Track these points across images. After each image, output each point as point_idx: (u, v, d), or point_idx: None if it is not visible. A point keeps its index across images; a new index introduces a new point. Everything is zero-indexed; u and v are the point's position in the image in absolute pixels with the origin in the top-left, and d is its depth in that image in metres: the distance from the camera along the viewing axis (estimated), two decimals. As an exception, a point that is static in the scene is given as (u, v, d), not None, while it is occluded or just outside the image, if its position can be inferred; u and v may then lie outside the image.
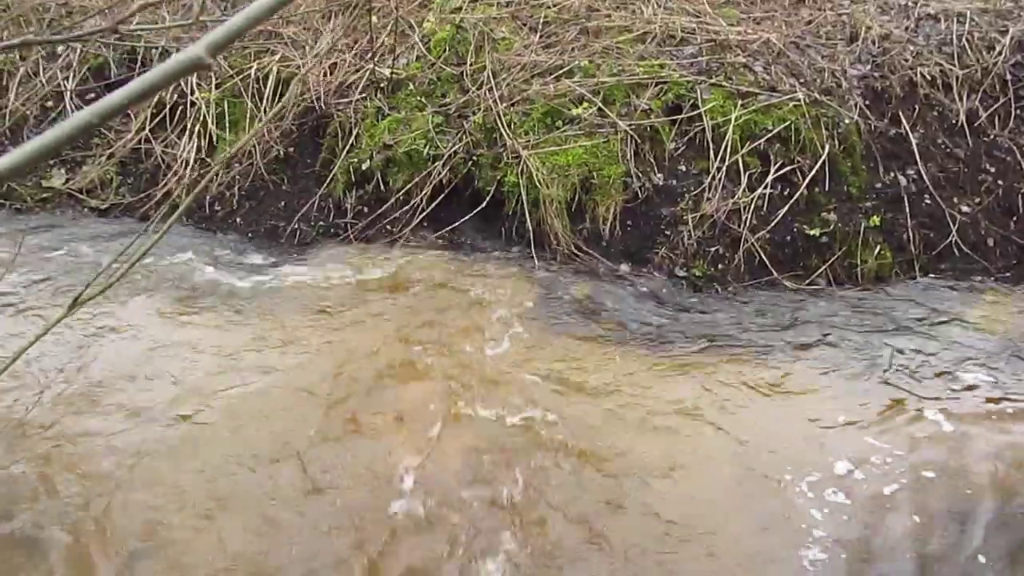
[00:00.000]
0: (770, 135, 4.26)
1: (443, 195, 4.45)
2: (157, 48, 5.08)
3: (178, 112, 5.00)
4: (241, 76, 4.91)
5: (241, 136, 4.65)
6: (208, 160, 4.78)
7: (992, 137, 4.52)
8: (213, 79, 4.97)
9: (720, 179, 4.20)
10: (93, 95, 5.21)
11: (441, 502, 2.77)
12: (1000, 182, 4.47)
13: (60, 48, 5.33)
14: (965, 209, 4.38)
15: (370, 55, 4.74)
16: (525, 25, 4.92)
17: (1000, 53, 4.62)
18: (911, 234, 4.28)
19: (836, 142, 4.31)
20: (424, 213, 4.44)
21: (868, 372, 3.33)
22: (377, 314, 3.82)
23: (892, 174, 4.40)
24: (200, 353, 3.54)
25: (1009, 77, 4.60)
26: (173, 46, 5.05)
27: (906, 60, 4.55)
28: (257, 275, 4.20)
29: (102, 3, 5.39)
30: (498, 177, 4.34)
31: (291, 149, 4.81)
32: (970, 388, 3.18)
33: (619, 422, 3.10)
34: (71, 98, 5.20)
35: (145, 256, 2.67)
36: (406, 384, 3.31)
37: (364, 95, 4.70)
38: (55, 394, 3.24)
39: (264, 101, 4.76)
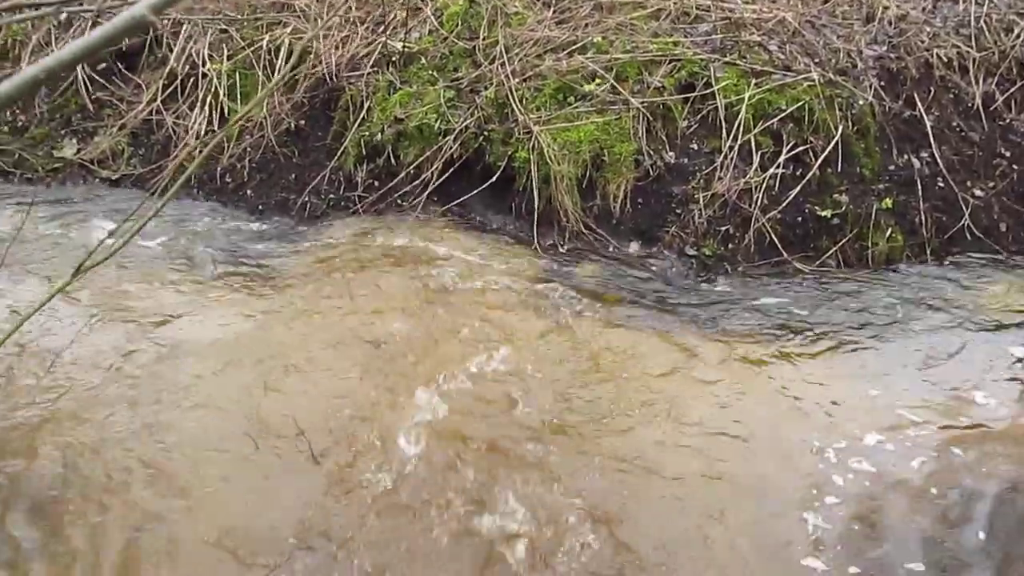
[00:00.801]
0: (783, 115, 4.23)
1: (454, 170, 4.44)
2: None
3: (189, 83, 4.99)
4: (253, 48, 4.90)
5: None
6: (219, 132, 4.77)
7: (1008, 121, 4.48)
8: (225, 51, 4.96)
9: (732, 158, 4.18)
10: (104, 64, 5.20)
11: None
12: (1015, 166, 4.43)
13: (73, 18, 5.32)
14: (979, 193, 4.35)
15: (382, 28, 4.72)
16: (539, 0, 4.89)
17: (1018, 36, 4.57)
18: (923, 217, 4.24)
19: (850, 123, 4.27)
20: (434, 187, 4.43)
21: (887, 353, 3.34)
22: (378, 288, 3.82)
23: (906, 156, 4.37)
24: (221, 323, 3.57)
25: (1026, 60, 4.55)
26: (185, 17, 5.04)
27: (922, 41, 4.51)
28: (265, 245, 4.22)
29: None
30: (509, 153, 4.33)
31: (302, 122, 4.81)
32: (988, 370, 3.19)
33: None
34: (82, 67, 5.19)
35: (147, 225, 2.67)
36: (405, 360, 3.32)
37: (376, 68, 4.69)
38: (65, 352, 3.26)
39: (276, 73, 4.74)
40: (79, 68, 5.19)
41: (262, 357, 3.32)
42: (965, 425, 2.93)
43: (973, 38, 4.52)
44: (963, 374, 3.20)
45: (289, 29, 4.90)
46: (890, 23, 4.61)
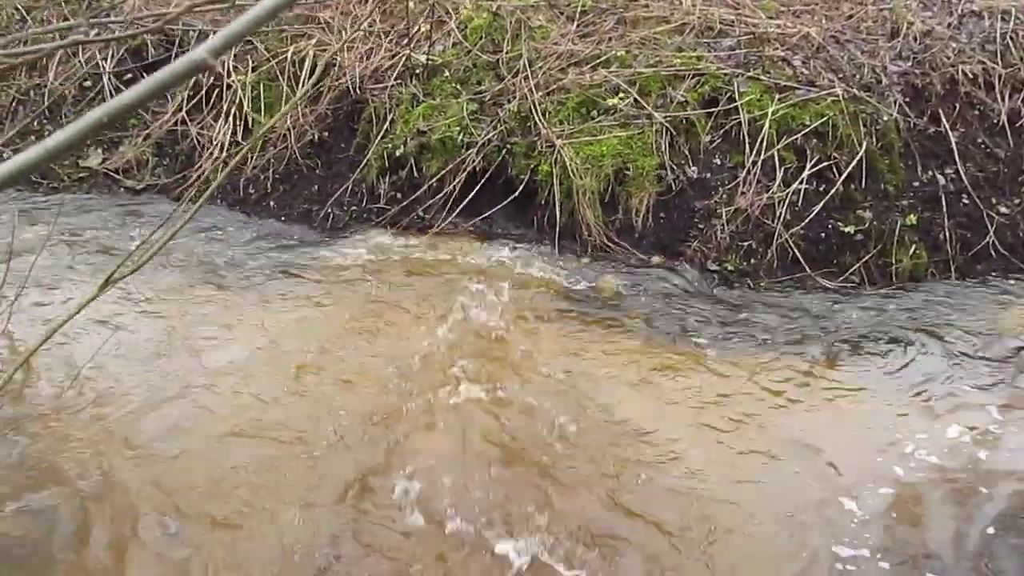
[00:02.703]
0: (807, 130, 4.21)
1: (476, 183, 4.45)
2: (195, 29, 5.11)
3: (214, 95, 5.03)
4: (277, 60, 4.93)
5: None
6: (243, 143, 4.80)
7: (1034, 137, 4.45)
8: (250, 62, 4.99)
9: (755, 173, 4.17)
10: (130, 76, 5.25)
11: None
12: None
13: (99, 29, 5.37)
14: (1004, 210, 4.31)
15: (406, 41, 4.74)
16: (562, 14, 4.90)
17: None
18: (948, 234, 4.22)
19: (874, 139, 4.25)
20: (456, 200, 4.44)
21: (909, 371, 3.32)
22: (399, 300, 3.83)
23: (930, 173, 4.34)
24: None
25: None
26: (210, 28, 5.08)
27: (948, 57, 4.48)
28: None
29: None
30: (531, 166, 4.34)
31: (326, 133, 4.83)
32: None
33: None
34: (109, 79, 5.24)
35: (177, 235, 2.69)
36: (423, 375, 3.32)
37: (399, 81, 4.71)
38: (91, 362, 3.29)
39: (300, 85, 4.77)
40: (105, 79, 5.25)
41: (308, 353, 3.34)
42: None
43: (999, 54, 4.49)
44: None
45: (313, 41, 4.94)
46: (915, 39, 4.58)
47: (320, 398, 3.19)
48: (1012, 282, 4.11)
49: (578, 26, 4.78)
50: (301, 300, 3.85)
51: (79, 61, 5.38)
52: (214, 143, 4.86)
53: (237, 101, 4.91)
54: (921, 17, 4.69)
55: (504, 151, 4.39)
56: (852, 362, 3.40)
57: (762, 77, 4.36)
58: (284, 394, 3.20)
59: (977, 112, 4.46)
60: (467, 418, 3.05)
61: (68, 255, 4.24)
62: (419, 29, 4.78)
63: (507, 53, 4.68)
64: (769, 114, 4.22)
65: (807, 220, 4.13)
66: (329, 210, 4.63)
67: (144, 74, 5.29)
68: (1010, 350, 3.39)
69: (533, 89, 4.45)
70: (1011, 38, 4.55)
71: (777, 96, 4.28)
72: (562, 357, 3.41)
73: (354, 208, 4.64)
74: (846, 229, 4.15)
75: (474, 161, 4.39)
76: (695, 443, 2.95)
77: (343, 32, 4.86)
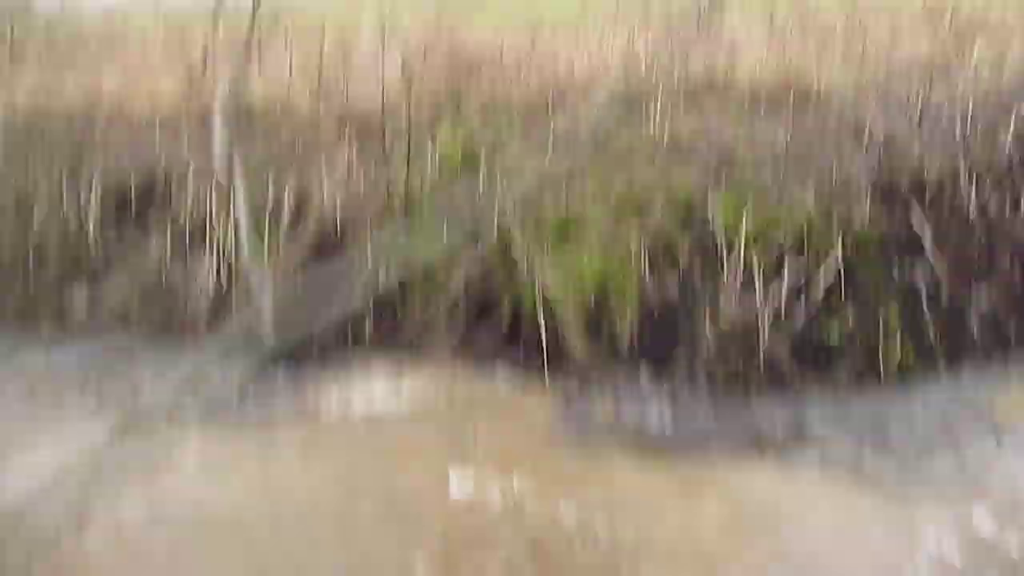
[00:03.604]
0: (782, 240, 4.28)
1: (459, 307, 4.48)
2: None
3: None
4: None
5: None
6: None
7: (1005, 227, 4.52)
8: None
9: (736, 286, 4.22)
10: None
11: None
12: (1017, 269, 4.45)
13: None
14: (980, 299, 4.36)
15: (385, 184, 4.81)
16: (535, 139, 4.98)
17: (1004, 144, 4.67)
18: (931, 328, 4.26)
19: (850, 242, 4.32)
20: (441, 327, 4.47)
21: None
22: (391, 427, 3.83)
23: (907, 269, 4.40)
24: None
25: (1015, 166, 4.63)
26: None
27: (913, 157, 4.60)
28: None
29: None
30: (513, 289, 4.39)
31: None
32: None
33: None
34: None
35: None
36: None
37: (381, 215, 4.78)
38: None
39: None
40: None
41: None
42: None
43: (961, 152, 4.61)
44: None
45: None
46: (879, 145, 4.70)
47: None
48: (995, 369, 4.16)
49: (554, 151, 4.87)
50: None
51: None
52: (200, 286, 4.89)
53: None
54: (882, 121, 4.80)
55: (486, 278, 4.44)
56: (851, 458, 3.45)
57: (735, 191, 4.44)
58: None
59: (948, 207, 4.55)
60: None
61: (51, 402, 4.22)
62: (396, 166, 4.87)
63: (485, 177, 4.75)
64: (743, 227, 4.28)
65: (790, 327, 4.17)
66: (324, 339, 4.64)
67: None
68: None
69: (511, 211, 4.51)
70: (971, 136, 4.68)
71: (751, 209, 4.35)
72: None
73: (342, 333, 4.64)
74: (829, 332, 4.18)
75: (458, 290, 4.43)
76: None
77: (324, 174, 4.94)
